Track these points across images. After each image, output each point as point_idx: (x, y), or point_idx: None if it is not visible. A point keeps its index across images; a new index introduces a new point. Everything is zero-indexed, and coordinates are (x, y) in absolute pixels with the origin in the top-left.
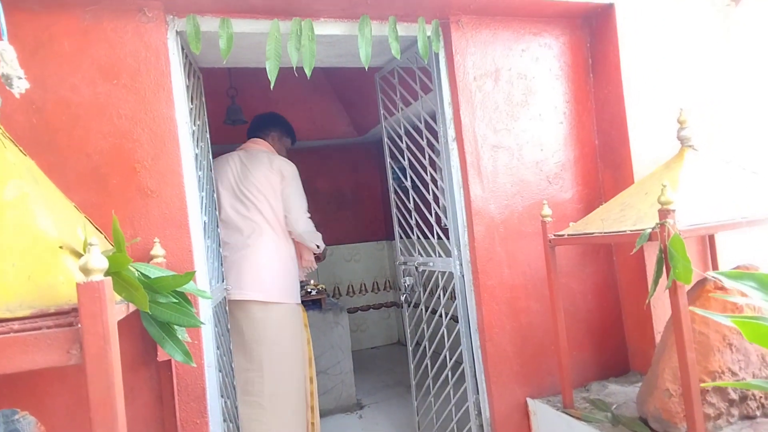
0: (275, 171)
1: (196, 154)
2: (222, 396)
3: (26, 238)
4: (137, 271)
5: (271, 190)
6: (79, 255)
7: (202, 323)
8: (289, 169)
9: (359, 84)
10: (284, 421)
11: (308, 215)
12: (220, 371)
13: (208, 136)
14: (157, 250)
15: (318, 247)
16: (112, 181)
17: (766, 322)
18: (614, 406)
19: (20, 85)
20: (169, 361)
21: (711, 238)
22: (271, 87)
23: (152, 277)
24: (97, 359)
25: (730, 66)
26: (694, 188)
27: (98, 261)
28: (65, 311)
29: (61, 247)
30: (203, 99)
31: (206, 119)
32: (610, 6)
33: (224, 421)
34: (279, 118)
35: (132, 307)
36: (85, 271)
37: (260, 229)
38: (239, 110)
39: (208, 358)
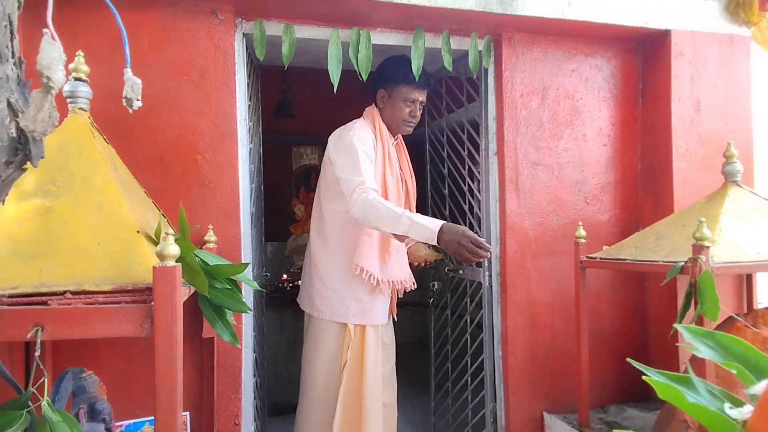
0: (327, 150)
1: (250, 149)
2: (254, 375)
3: (110, 221)
4: (197, 257)
5: (322, 176)
6: (150, 239)
7: (250, 309)
8: (331, 141)
9: None
10: None
11: (360, 191)
12: (254, 352)
13: (260, 130)
14: (211, 236)
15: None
16: (176, 169)
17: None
18: (634, 425)
19: (136, 106)
20: (212, 338)
21: (749, 276)
22: (335, 90)
23: (210, 263)
24: (165, 334)
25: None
26: (735, 224)
27: (173, 248)
28: (141, 289)
29: (138, 232)
30: (260, 95)
31: (260, 115)
32: (666, 32)
33: (254, 398)
34: (383, 67)
35: (192, 290)
36: (161, 256)
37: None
38: (289, 105)
39: (246, 340)
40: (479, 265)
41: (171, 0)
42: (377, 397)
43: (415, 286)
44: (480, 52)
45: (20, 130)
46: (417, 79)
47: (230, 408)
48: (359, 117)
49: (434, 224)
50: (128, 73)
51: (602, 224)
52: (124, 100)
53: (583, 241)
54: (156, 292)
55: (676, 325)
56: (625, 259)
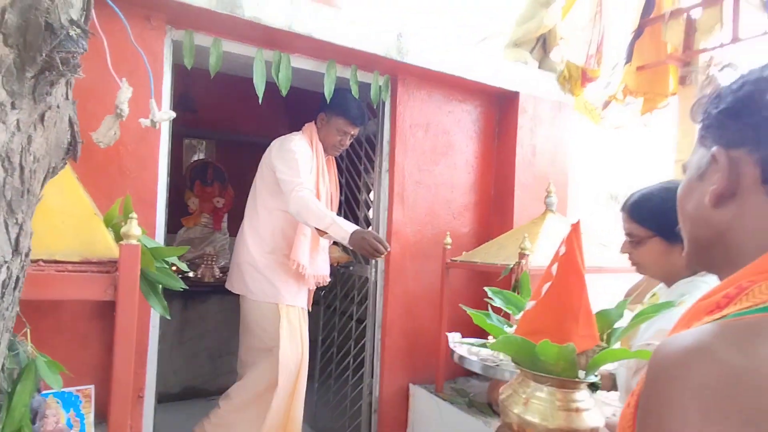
0: (267, 155)
1: (170, 144)
2: (158, 353)
3: (70, 203)
4: None
5: (259, 176)
6: (103, 221)
7: (185, 287)
8: (274, 148)
9: (309, 100)
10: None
11: (299, 190)
12: (159, 330)
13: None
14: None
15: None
16: (98, 158)
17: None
18: (471, 394)
19: (160, 119)
20: None
21: None
22: (260, 101)
23: (149, 246)
24: (126, 299)
25: (586, 155)
26: (548, 240)
27: (136, 230)
28: (104, 262)
29: (95, 214)
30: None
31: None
32: (516, 93)
33: (157, 374)
34: (334, 96)
35: None
36: (126, 235)
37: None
38: (193, 101)
39: (153, 320)
40: (372, 262)
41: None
42: (306, 368)
43: (330, 281)
44: (380, 87)
45: (73, 136)
46: (356, 118)
47: (136, 381)
48: (259, 118)
49: (349, 227)
50: (154, 107)
51: (464, 235)
52: (150, 122)
53: (449, 247)
54: (121, 265)
55: (487, 289)
56: (476, 262)
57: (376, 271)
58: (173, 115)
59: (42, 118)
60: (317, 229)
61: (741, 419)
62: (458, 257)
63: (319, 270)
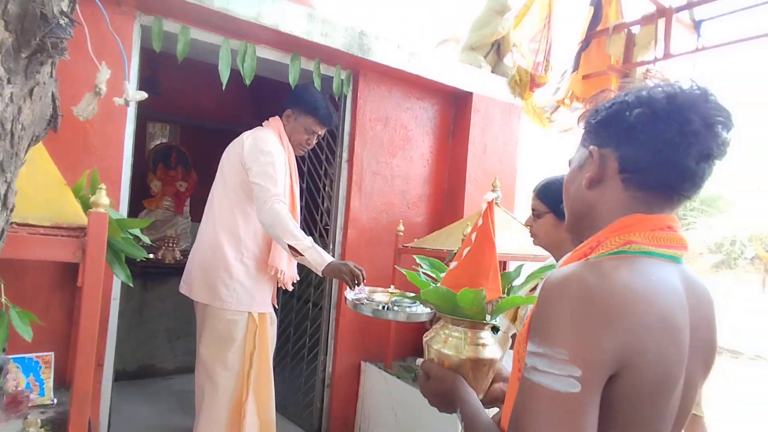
0: (238, 151)
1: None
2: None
3: (43, 172)
4: None
5: (231, 174)
6: (72, 191)
7: (148, 256)
8: (246, 147)
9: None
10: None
11: (274, 202)
12: (119, 303)
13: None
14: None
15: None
16: (65, 134)
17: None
18: (417, 370)
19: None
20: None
21: (504, 263)
22: (224, 87)
23: (114, 218)
24: (94, 262)
25: (534, 155)
26: (497, 233)
27: (104, 199)
28: (74, 228)
29: (65, 185)
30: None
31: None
32: (470, 94)
33: (116, 344)
34: (301, 93)
35: None
36: (95, 204)
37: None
38: (159, 84)
39: (115, 292)
40: (330, 246)
41: None
42: (271, 374)
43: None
44: (342, 80)
45: (54, 110)
46: (325, 118)
47: (97, 350)
48: (222, 105)
49: (327, 256)
50: (128, 87)
51: (417, 224)
52: (123, 101)
53: (401, 234)
54: (90, 231)
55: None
56: (425, 248)
57: (334, 256)
58: (145, 95)
59: (31, 92)
60: (290, 247)
61: (595, 314)
62: (410, 244)
63: (293, 270)
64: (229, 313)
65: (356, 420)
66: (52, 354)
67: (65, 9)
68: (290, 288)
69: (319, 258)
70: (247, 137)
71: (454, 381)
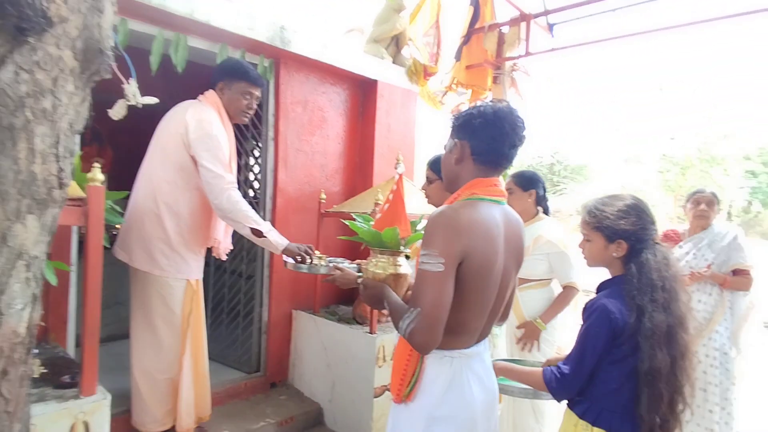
0: (181, 131)
1: None
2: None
3: None
4: None
5: (171, 150)
6: None
7: (123, 221)
8: (191, 127)
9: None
10: None
11: (230, 189)
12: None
13: None
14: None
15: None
16: None
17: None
18: (341, 314)
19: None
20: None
21: None
22: (153, 73)
23: None
24: (95, 226)
25: (429, 133)
26: None
27: (99, 175)
28: (75, 199)
29: None
30: None
31: None
32: (375, 81)
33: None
34: (227, 63)
35: None
36: (92, 179)
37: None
38: None
39: (74, 259)
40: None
41: None
42: (205, 331)
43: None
44: (266, 68)
45: (91, 115)
46: (254, 78)
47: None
48: (157, 89)
49: (283, 239)
50: (137, 92)
51: (335, 193)
52: (134, 103)
53: (323, 201)
54: (90, 200)
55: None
56: (343, 212)
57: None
58: (156, 100)
59: (83, 100)
60: (251, 229)
61: (451, 230)
62: (330, 209)
63: (228, 242)
64: (169, 279)
65: (290, 358)
66: None
67: (111, 44)
68: (224, 258)
69: (279, 239)
70: (189, 116)
71: (382, 288)
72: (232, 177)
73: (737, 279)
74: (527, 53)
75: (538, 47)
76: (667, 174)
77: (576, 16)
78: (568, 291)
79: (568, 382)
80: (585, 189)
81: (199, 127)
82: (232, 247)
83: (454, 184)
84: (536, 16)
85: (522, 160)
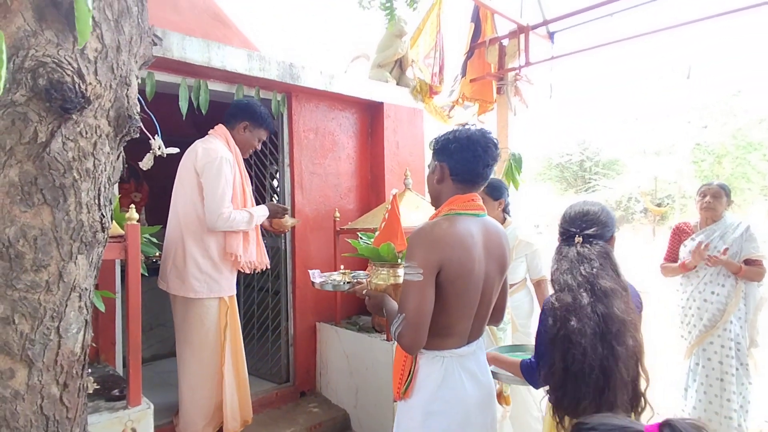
0: (192, 158)
1: None
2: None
3: None
4: None
5: (191, 184)
6: None
7: (157, 251)
8: (200, 156)
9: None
10: None
11: (225, 213)
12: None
13: None
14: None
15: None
16: None
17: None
18: (361, 324)
19: (165, 152)
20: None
21: None
22: (183, 117)
23: None
24: (133, 259)
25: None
26: (407, 210)
27: (135, 214)
28: (115, 236)
29: None
30: None
31: None
32: (381, 104)
33: (123, 329)
34: (251, 107)
35: None
36: (129, 219)
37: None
38: None
39: (117, 287)
40: (282, 237)
41: None
42: (242, 342)
43: (269, 267)
44: (279, 102)
45: (126, 164)
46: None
47: (108, 333)
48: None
49: (262, 210)
50: (161, 144)
51: (349, 210)
52: (159, 153)
53: (338, 219)
54: (128, 237)
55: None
56: (356, 228)
57: (286, 243)
58: (177, 150)
59: (118, 156)
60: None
61: (429, 244)
62: (345, 226)
63: (252, 257)
64: (204, 300)
65: (317, 368)
66: None
67: (138, 110)
68: (248, 271)
69: (262, 212)
70: (199, 147)
71: (383, 297)
72: (227, 210)
73: (751, 269)
74: (527, 63)
75: (541, 56)
76: (702, 164)
77: (575, 23)
78: (545, 284)
79: (535, 371)
80: (617, 184)
81: (206, 154)
82: (267, 264)
83: (437, 201)
84: (535, 27)
85: (550, 158)
